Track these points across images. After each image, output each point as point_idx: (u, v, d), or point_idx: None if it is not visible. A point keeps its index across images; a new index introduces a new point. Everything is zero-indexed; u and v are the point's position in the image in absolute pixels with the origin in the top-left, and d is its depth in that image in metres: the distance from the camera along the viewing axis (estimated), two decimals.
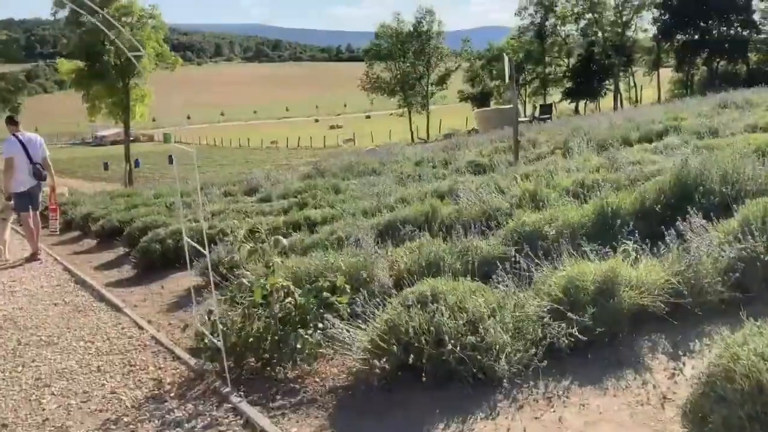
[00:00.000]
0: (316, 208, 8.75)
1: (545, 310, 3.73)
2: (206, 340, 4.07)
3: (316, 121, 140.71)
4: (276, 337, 3.97)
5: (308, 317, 4.02)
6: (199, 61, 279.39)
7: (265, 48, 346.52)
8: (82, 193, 39.28)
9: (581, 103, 55.83)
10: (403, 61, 51.31)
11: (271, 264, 3.86)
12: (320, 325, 4.00)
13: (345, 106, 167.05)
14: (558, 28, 55.10)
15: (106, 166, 61.73)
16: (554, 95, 53.93)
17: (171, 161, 62.66)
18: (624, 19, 52.50)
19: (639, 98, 55.66)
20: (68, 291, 6.89)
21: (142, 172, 58.66)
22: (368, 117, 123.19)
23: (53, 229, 10.31)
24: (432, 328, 3.51)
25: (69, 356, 4.65)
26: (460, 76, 57.29)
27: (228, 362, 3.89)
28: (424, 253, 5.18)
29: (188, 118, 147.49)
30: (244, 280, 4.13)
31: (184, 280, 6.85)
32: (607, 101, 56.53)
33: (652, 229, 5.07)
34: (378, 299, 4.24)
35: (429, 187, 8.58)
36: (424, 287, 3.90)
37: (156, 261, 7.36)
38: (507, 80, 9.77)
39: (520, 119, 22.96)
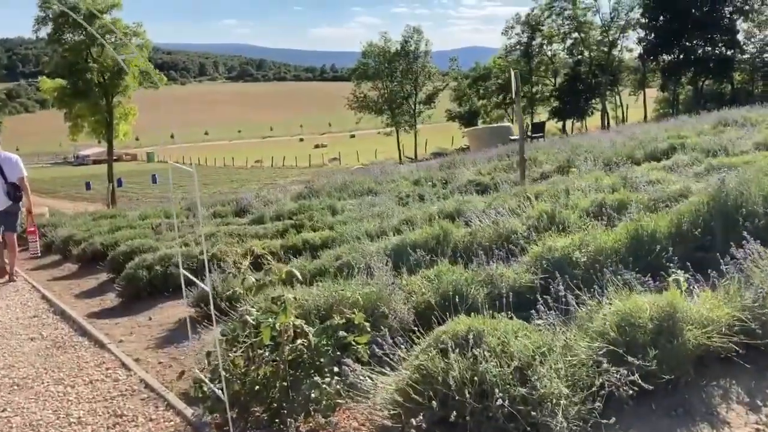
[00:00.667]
0: (314, 230, 8.23)
1: (600, 353, 3.23)
2: (205, 388, 3.52)
3: (301, 140, 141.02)
4: (286, 384, 3.44)
5: (322, 361, 3.49)
6: (182, 80, 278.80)
7: (249, 68, 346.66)
8: (63, 213, 38.45)
9: (568, 123, 55.92)
10: (391, 80, 51.09)
11: (281, 301, 3.33)
12: (336, 370, 3.48)
13: (330, 125, 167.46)
14: (544, 47, 55.25)
15: (88, 186, 60.80)
16: (541, 114, 53.92)
17: (154, 180, 62.00)
18: (610, 38, 52.75)
19: (625, 117, 55.85)
20: (46, 323, 6.29)
21: (125, 192, 57.76)
22: (353, 136, 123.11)
23: (33, 251, 10.09)
24: (476, 378, 3.00)
25: (45, 404, 4.07)
26: (447, 96, 57.18)
27: (231, 412, 3.35)
28: (444, 282, 4.68)
29: (171, 137, 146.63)
30: (249, 318, 3.59)
31: (173, 310, 6.30)
32: (593, 120, 56.68)
33: (690, 255, 4.64)
34: (400, 338, 3.74)
35: (433, 208, 8.09)
36: (459, 326, 3.39)
37: (142, 289, 6.78)
38: (513, 95, 9.35)
39: (511, 137, 22.61)
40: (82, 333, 5.76)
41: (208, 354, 3.94)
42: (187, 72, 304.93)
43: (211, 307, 3.24)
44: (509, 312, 3.80)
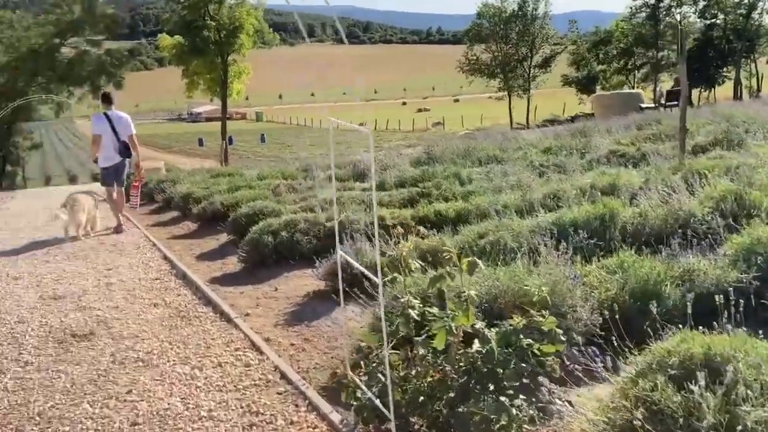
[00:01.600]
0: (446, 200, 7.53)
1: None
2: (359, 394, 2.93)
3: (404, 104, 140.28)
4: (454, 397, 2.79)
5: (504, 373, 2.80)
6: (291, 41, 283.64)
7: (356, 29, 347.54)
8: (179, 168, 39.85)
9: (695, 92, 51.85)
10: (505, 42, 48.99)
11: (464, 298, 2.65)
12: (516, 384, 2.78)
13: (433, 89, 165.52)
14: (673, 9, 51.18)
15: (201, 142, 63.01)
16: (665, 82, 50.22)
17: (263, 140, 63.38)
18: (750, 0, 48.03)
19: (760, 87, 51.10)
20: (169, 288, 5.97)
21: (235, 149, 59.34)
22: (456, 101, 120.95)
23: (133, 204, 10.79)
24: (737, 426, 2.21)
25: (173, 388, 3.63)
26: (564, 60, 54.34)
27: (390, 424, 2.74)
28: (632, 276, 3.85)
29: (280, 97, 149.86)
30: (413, 313, 2.94)
31: (300, 281, 5.82)
32: (723, 91, 52.29)
33: None
34: (591, 349, 3.00)
35: (586, 180, 7.16)
36: (692, 347, 2.58)
37: (267, 255, 6.33)
38: (678, 55, 8.15)
39: (642, 105, 20.86)
40: (206, 302, 5.37)
41: (359, 350, 3.36)
42: (296, 33, 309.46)
43: (381, 306, 2.60)
44: (719, 321, 2.94)
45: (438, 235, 5.65)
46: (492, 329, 2.96)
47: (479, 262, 2.79)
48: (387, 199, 8.13)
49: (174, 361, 4.06)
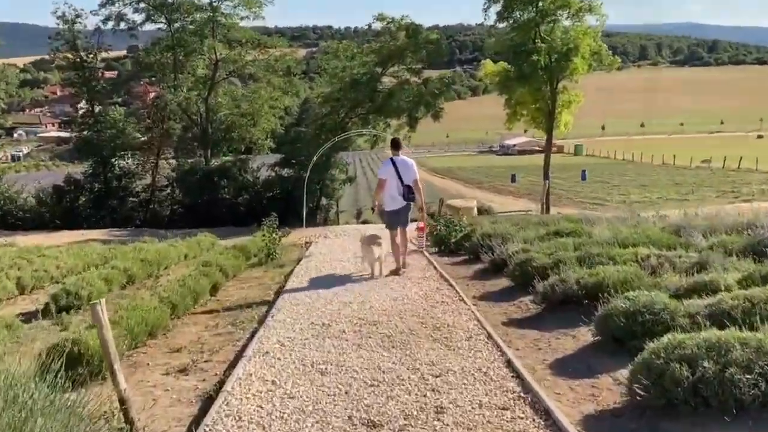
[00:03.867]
0: None
1: None
2: None
3: (760, 137, 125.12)
4: None
5: None
6: (619, 65, 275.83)
7: (699, 50, 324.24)
8: (492, 209, 39.63)
9: None
10: None
11: None
12: None
13: None
14: None
15: (513, 178, 62.66)
16: None
17: (584, 177, 60.59)
18: None
19: None
20: (513, 407, 4.36)
21: (552, 188, 57.53)
22: None
23: (420, 247, 11.92)
24: None
25: None
26: None
27: None
28: None
29: (602, 128, 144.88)
30: None
31: None
32: None
33: None
34: None
35: None
36: None
37: (680, 399, 4.35)
38: None
39: None
40: None
41: None
42: (626, 56, 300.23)
43: None
44: None
45: None
46: None
47: None
48: None
49: None
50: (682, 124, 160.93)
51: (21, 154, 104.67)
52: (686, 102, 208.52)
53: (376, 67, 30.35)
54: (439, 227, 14.05)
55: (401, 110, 29.99)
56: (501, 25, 33.29)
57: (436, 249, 13.26)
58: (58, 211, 33.22)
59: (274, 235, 13.54)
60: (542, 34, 31.60)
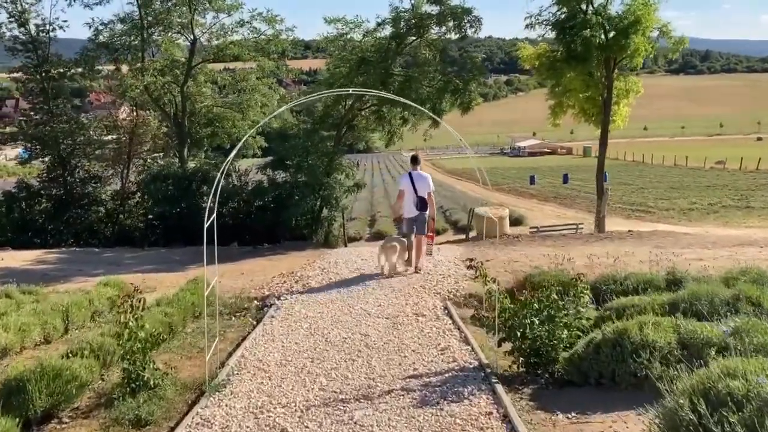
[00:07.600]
0: None
1: None
2: None
3: (759, 139, 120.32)
4: None
5: None
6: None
7: (692, 59, 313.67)
8: (525, 219, 30.47)
9: None
10: None
11: None
12: None
13: None
14: None
15: (532, 180, 54.40)
16: None
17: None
18: None
19: None
20: None
21: (571, 189, 49.20)
22: None
23: (428, 253, 11.82)
24: None
25: None
26: None
27: None
28: None
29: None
30: None
31: None
32: None
33: None
34: None
35: None
36: None
37: None
38: None
39: None
40: None
41: None
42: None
43: None
44: None
45: None
46: None
47: None
48: None
49: None
50: (683, 127, 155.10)
51: None
52: (684, 107, 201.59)
53: (390, 42, 21.61)
54: (518, 316, 5.79)
55: (421, 100, 21.15)
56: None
57: (516, 366, 5.45)
58: (8, 223, 24.87)
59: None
60: (594, 5, 22.90)
